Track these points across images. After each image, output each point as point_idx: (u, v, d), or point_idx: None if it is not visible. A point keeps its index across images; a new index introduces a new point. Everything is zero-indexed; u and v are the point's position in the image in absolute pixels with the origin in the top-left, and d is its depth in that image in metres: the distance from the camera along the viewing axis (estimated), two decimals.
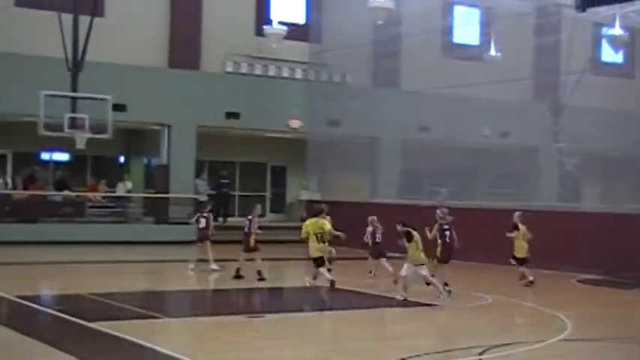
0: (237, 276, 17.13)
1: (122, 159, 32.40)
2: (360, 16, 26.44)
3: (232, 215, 30.14)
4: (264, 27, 28.76)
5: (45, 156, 30.66)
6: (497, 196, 28.19)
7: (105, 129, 23.72)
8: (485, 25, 32.08)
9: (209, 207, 19.74)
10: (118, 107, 24.76)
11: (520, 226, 17.24)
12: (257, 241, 17.30)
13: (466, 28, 32.56)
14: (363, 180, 30.81)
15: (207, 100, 28.08)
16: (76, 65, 24.07)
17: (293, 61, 30.55)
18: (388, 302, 14.33)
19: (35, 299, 14.23)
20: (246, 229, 17.39)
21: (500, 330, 12.51)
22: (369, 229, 17.21)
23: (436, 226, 15.73)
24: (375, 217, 17.22)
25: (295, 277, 15.58)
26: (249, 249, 17.29)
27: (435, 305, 14.40)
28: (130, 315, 12.74)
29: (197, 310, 14.39)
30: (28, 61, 25.27)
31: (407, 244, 14.35)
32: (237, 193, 32.39)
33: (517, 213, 17.58)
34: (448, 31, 32.42)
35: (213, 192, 29.87)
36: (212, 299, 15.60)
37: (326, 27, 29.18)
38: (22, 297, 13.89)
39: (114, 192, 29.04)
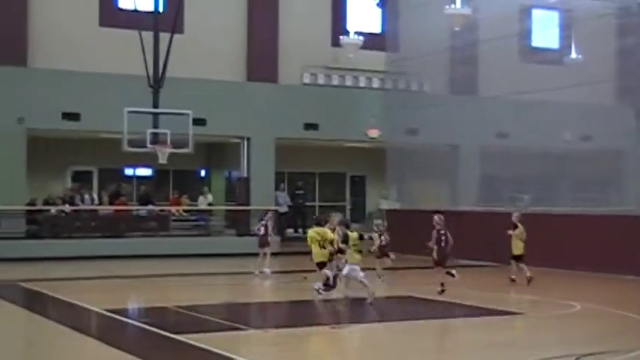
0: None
1: (203, 172, 32.88)
2: (437, 23, 26.23)
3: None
4: (341, 37, 28.92)
5: (129, 171, 31.36)
6: (580, 201, 27.59)
7: (186, 143, 24.09)
8: (565, 28, 31.51)
9: (268, 215, 20.90)
10: (199, 121, 25.15)
11: (519, 225, 17.95)
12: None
13: (545, 31, 32.00)
14: (443, 188, 30.53)
15: (286, 112, 28.30)
16: (157, 81, 24.47)
17: (370, 71, 30.54)
18: (471, 311, 14.13)
19: (123, 312, 14.50)
20: None
21: (591, 338, 12.19)
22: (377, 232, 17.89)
23: (434, 232, 16.56)
24: (380, 221, 17.66)
25: (375, 287, 15.52)
26: None
27: (520, 314, 14.16)
28: (215, 327, 12.82)
29: (280, 321, 14.42)
30: (112, 79, 25.93)
31: (345, 246, 15.28)
32: (316, 203, 32.50)
33: (515, 213, 18.40)
34: (526, 35, 31.92)
35: (292, 203, 30.10)
36: (294, 310, 15.59)
37: (402, 35, 29.04)
38: (110, 310, 14.16)
39: (196, 205, 29.46)
